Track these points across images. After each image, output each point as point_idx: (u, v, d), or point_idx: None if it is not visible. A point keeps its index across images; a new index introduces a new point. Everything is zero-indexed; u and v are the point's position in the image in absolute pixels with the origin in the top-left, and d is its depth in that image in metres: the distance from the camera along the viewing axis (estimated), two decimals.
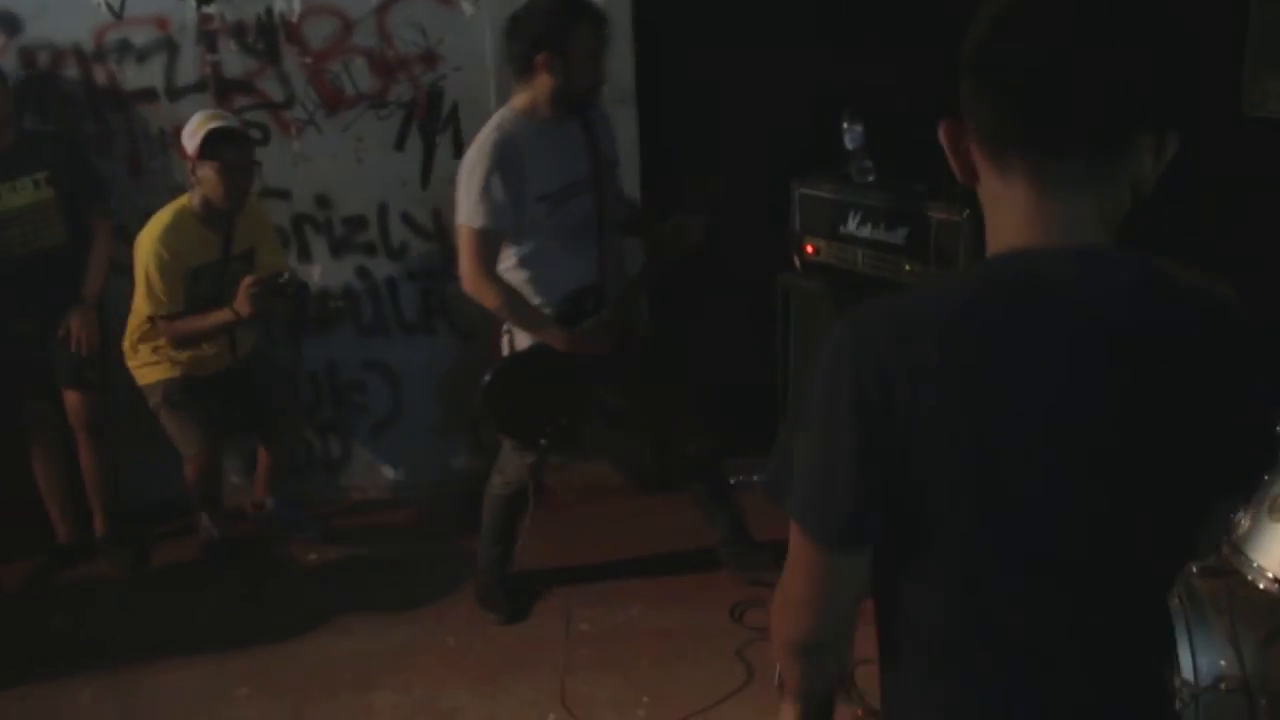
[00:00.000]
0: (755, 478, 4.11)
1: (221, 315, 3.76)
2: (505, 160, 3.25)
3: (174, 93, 4.19)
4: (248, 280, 3.71)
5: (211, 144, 3.70)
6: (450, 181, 4.32)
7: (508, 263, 3.40)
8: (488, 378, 3.47)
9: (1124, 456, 1.25)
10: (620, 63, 4.18)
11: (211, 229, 3.84)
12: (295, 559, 4.24)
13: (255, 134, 4.23)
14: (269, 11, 4.15)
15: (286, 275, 3.88)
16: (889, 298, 1.35)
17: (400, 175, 4.37)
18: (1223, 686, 2.55)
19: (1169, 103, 1.22)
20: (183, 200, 3.85)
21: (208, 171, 3.72)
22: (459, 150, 4.33)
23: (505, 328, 3.50)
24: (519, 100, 3.37)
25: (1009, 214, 1.27)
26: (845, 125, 3.78)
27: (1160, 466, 1.27)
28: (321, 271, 4.45)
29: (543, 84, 3.30)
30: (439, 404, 4.61)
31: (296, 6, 4.17)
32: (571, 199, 3.39)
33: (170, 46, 4.15)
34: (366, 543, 4.34)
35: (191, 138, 3.72)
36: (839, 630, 1.40)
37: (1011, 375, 1.22)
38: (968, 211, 3.52)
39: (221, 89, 4.21)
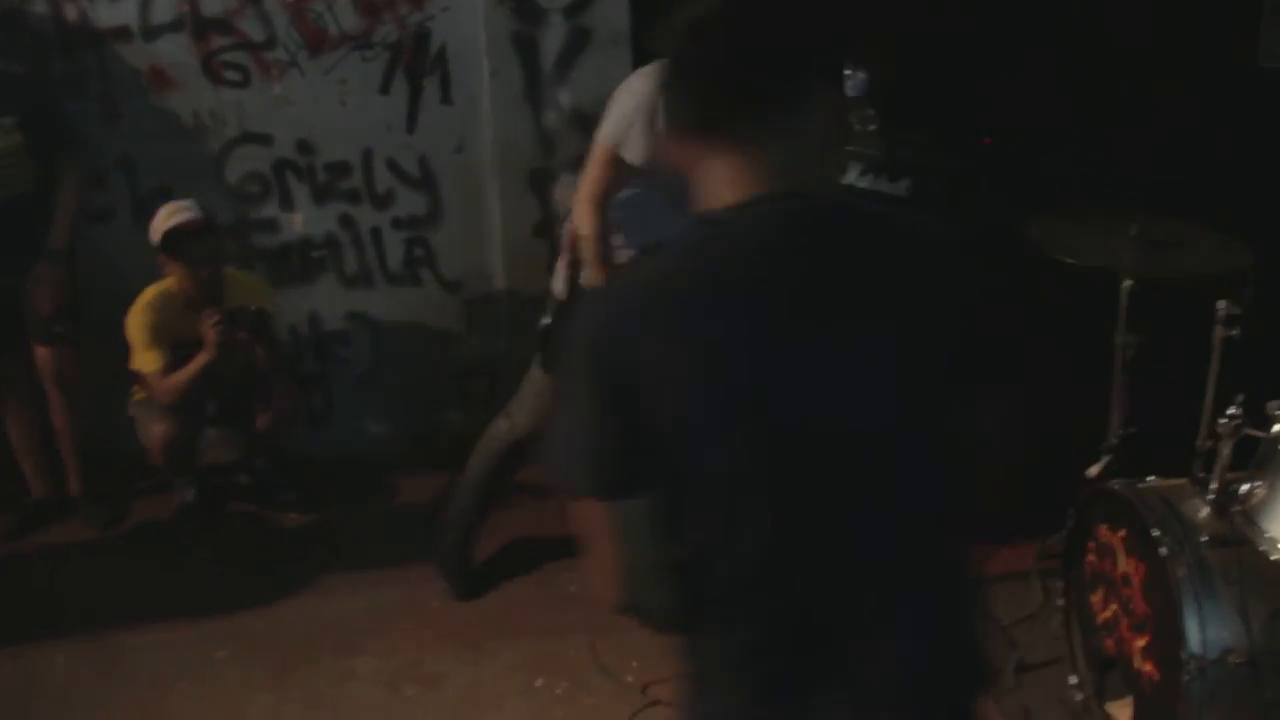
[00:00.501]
0: None
1: (197, 360, 3.76)
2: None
3: (149, 31, 4.01)
4: (206, 313, 3.72)
5: (172, 241, 3.71)
6: (437, 126, 4.24)
7: (625, 193, 3.24)
8: (547, 320, 3.33)
9: (838, 387, 1.36)
10: (616, 4, 4.04)
11: (195, 309, 3.79)
12: (277, 519, 4.14)
13: (234, 76, 4.09)
14: None
15: (252, 308, 3.83)
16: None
17: (385, 120, 4.22)
18: (1231, 659, 2.49)
19: (825, 72, 1.43)
20: (167, 281, 3.84)
21: (173, 266, 3.76)
22: (446, 95, 4.20)
23: (567, 263, 3.34)
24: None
25: (718, 182, 1.42)
26: (847, 72, 3.63)
27: (876, 390, 1.38)
28: (303, 219, 4.32)
29: None
30: (424, 357, 4.49)
31: None
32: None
33: None
34: (350, 501, 4.24)
35: (156, 231, 3.75)
36: (648, 584, 1.46)
37: (716, 323, 1.35)
38: (974, 163, 3.41)
39: (199, 28, 4.04)
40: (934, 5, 3.89)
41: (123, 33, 4.00)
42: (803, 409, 1.37)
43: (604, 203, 3.16)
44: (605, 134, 3.12)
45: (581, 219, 3.17)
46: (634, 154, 3.09)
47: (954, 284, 1.48)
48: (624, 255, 3.26)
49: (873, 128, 3.68)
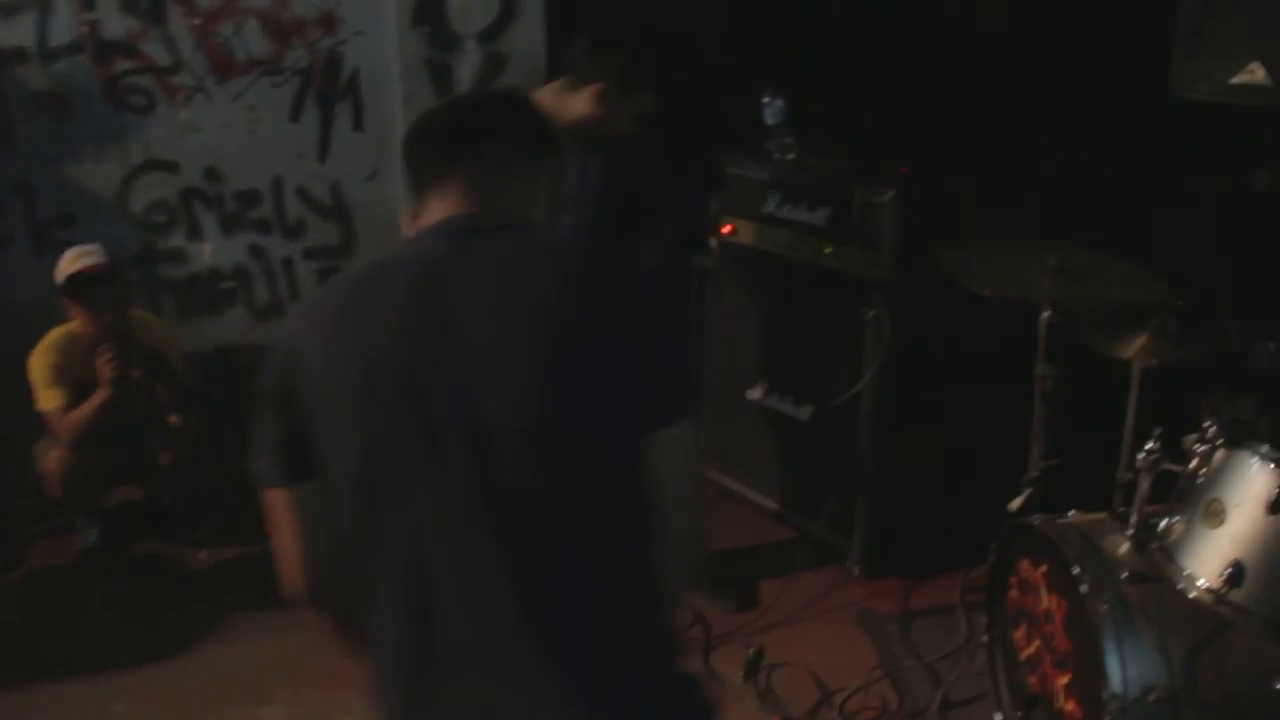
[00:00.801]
0: None
1: (95, 397, 3.68)
2: None
3: (47, 54, 3.89)
4: (100, 349, 3.64)
5: (74, 286, 3.63)
6: (349, 154, 4.15)
7: None
8: None
9: (468, 388, 1.47)
10: (531, 30, 3.98)
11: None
12: (186, 558, 3.99)
13: (138, 101, 3.96)
14: None
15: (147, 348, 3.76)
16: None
17: (296, 147, 4.14)
18: (1151, 698, 2.45)
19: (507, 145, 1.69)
20: (73, 324, 3.73)
21: (76, 310, 3.67)
22: (358, 121, 4.12)
23: None
24: (545, 98, 3.11)
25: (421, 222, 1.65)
26: (766, 100, 3.59)
27: (503, 393, 1.47)
28: (212, 250, 4.20)
29: (581, 104, 3.08)
30: None
31: None
32: (552, 218, 3.18)
33: (42, 2, 3.83)
34: (260, 538, 4.08)
35: (60, 274, 3.67)
36: (323, 580, 1.62)
37: (365, 333, 1.53)
38: (892, 193, 3.38)
39: (101, 50, 3.93)
40: (855, 35, 3.88)
41: (18, 54, 3.86)
42: (431, 410, 1.48)
43: None
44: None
45: None
46: None
47: (586, 304, 1.54)
48: None
49: (791, 156, 3.64)
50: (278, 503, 1.61)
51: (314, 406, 1.53)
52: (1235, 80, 3.62)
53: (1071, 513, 2.83)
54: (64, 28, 3.86)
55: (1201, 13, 3.60)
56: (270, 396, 1.58)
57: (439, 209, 1.63)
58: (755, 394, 3.88)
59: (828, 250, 3.54)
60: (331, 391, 1.52)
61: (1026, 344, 3.07)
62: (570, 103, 3.08)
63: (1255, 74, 3.57)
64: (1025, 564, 2.87)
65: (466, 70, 4.01)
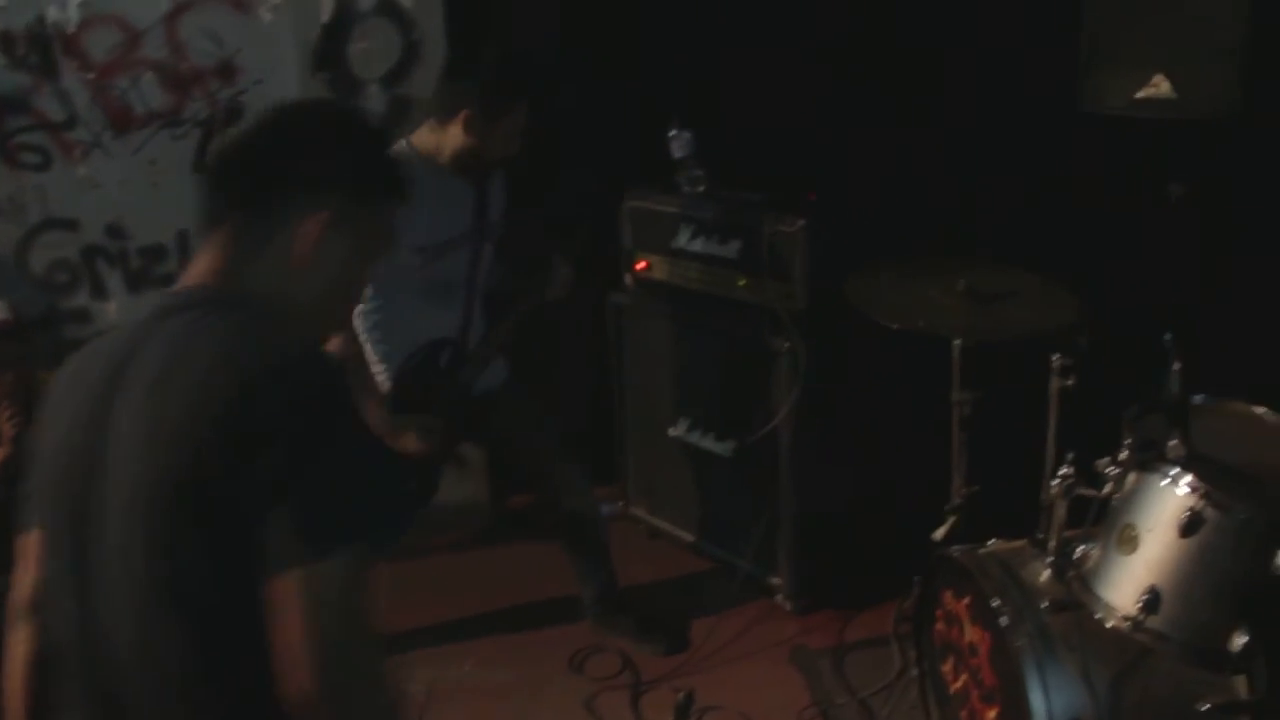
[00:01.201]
0: (604, 508, 3.87)
1: None
2: None
3: None
4: (1, 406, 3.50)
5: None
6: None
7: (368, 304, 3.10)
8: None
9: (104, 465, 1.39)
10: (434, 72, 3.90)
11: None
12: None
13: (34, 159, 3.85)
14: (41, 21, 3.75)
15: None
16: None
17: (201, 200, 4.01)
18: None
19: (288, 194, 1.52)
20: None
21: None
22: None
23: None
24: (423, 138, 3.09)
25: None
26: (672, 132, 3.54)
27: (151, 497, 1.35)
28: (118, 308, 4.07)
29: (454, 137, 3.04)
30: None
31: (73, 15, 3.79)
32: (447, 254, 3.15)
33: None
34: None
35: None
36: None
37: (60, 405, 1.49)
38: (803, 223, 3.33)
39: None
40: (761, 67, 3.85)
41: None
42: (83, 482, 1.42)
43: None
44: None
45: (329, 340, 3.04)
46: None
47: (216, 413, 1.35)
48: (393, 363, 3.13)
49: (701, 189, 3.58)
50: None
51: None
52: (1140, 94, 3.64)
53: (992, 541, 2.78)
54: None
55: (1105, 27, 3.62)
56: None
57: (195, 266, 1.53)
58: (677, 431, 3.81)
59: (741, 283, 3.49)
60: (37, 459, 1.51)
61: (943, 369, 3.03)
62: (444, 139, 3.04)
63: (1159, 86, 3.59)
64: (949, 596, 2.82)
65: (371, 114, 3.93)
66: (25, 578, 1.53)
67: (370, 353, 3.11)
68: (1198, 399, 2.52)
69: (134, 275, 4.05)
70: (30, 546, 1.52)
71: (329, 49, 3.87)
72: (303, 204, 1.51)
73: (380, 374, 3.12)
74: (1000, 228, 3.45)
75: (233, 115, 3.93)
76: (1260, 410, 2.54)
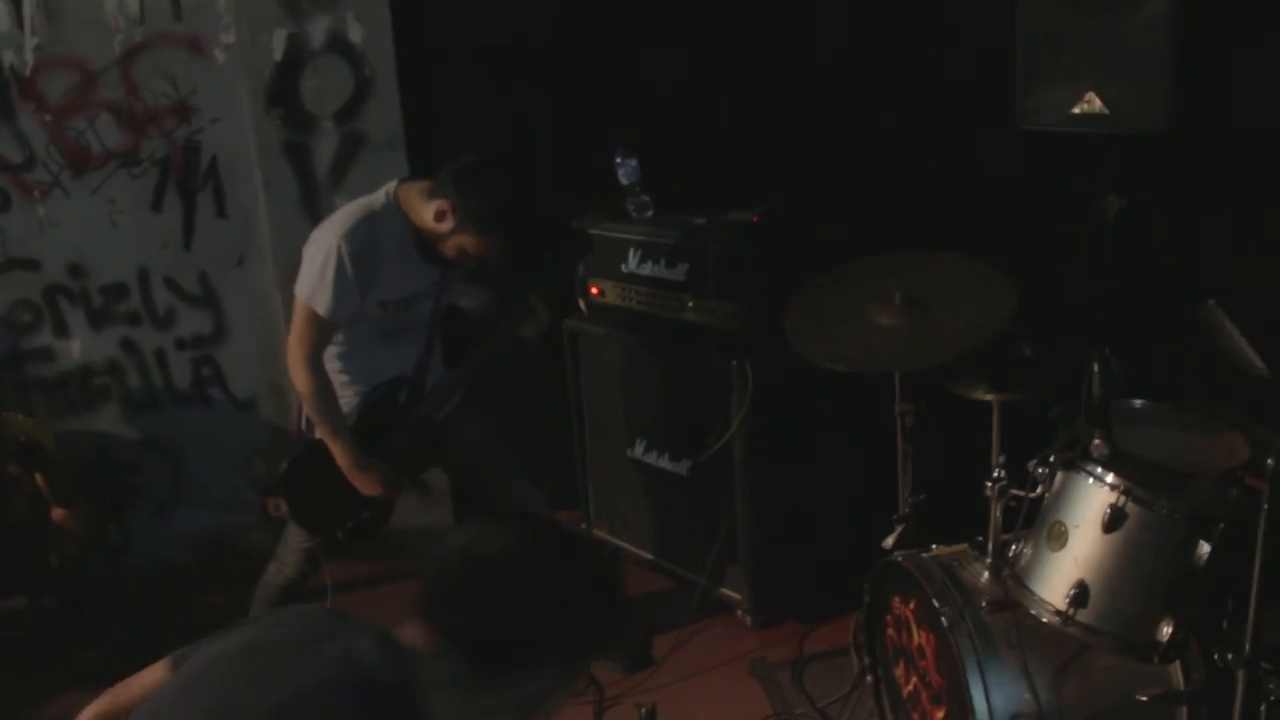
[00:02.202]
0: None
1: None
2: (364, 256, 3.03)
3: None
4: None
5: None
6: (214, 241, 4.12)
7: (335, 345, 3.20)
8: (285, 465, 3.23)
9: None
10: (387, 107, 3.99)
11: None
12: (73, 662, 3.86)
13: None
14: None
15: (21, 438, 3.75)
16: None
17: (160, 237, 4.09)
18: None
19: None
20: None
21: None
22: (221, 208, 4.10)
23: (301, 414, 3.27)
24: (408, 193, 3.13)
25: None
26: (619, 160, 3.63)
27: None
28: (81, 346, 4.13)
29: (426, 216, 3.10)
30: (222, 479, 4.30)
31: (29, 58, 3.87)
32: (410, 307, 3.23)
33: None
34: (149, 631, 3.99)
35: None
36: None
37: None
38: (746, 243, 3.42)
39: None
40: (704, 89, 3.94)
41: None
42: None
43: (316, 357, 3.12)
44: (301, 289, 3.09)
45: (297, 378, 3.13)
46: (326, 309, 3.05)
47: None
48: (351, 399, 3.19)
49: (649, 214, 3.67)
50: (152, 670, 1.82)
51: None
52: (1076, 110, 3.74)
53: (934, 546, 2.86)
54: None
55: (1039, 45, 3.72)
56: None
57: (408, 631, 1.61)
58: (634, 452, 3.88)
59: (690, 304, 3.57)
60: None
61: (888, 381, 3.11)
62: (424, 210, 3.10)
63: (1093, 103, 3.69)
64: (896, 601, 2.89)
65: (325, 151, 3.99)
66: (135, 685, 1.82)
67: (338, 387, 3.17)
68: (1136, 403, 2.61)
69: (96, 313, 4.12)
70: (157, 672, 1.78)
71: (282, 87, 3.94)
72: (525, 678, 1.59)
73: (347, 406, 3.18)
74: (941, 240, 3.53)
75: (189, 154, 4.01)
76: (1186, 412, 2.61)
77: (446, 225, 3.07)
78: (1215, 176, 3.49)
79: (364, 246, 3.04)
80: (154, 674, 1.79)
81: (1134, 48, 3.49)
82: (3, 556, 3.79)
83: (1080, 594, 2.31)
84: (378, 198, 3.15)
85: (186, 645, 1.76)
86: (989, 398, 2.82)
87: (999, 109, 3.72)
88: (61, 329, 4.11)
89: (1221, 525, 2.22)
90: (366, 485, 3.17)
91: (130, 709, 1.75)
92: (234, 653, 1.67)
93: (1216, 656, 2.32)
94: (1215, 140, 3.40)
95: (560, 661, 1.62)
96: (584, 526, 4.23)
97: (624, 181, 3.64)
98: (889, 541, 3.15)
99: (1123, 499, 2.27)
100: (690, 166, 3.82)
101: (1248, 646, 2.16)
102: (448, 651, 1.56)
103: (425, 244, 3.13)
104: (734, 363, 3.46)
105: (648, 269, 3.66)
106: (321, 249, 3.06)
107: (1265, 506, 2.04)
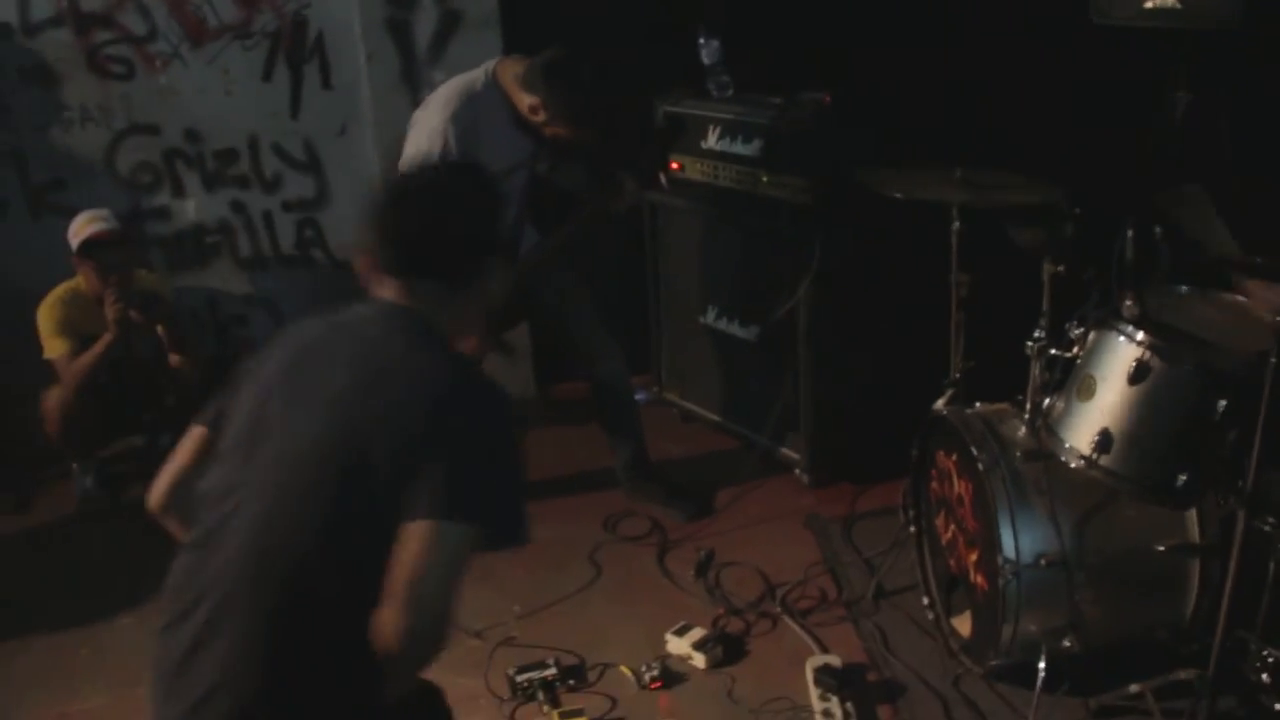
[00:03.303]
0: (639, 394, 4.19)
1: (101, 341, 3.92)
2: (465, 123, 3.29)
3: (31, 28, 4.13)
4: (105, 294, 3.89)
5: (87, 250, 3.90)
6: (320, 111, 4.38)
7: None
8: None
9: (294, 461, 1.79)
10: None
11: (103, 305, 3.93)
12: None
13: (119, 69, 4.20)
14: None
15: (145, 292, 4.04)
16: None
17: (270, 107, 4.37)
18: (1042, 562, 2.70)
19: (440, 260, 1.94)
20: (78, 280, 3.99)
21: (86, 270, 3.93)
22: (327, 80, 4.35)
23: None
24: (506, 72, 3.37)
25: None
26: (701, 41, 3.82)
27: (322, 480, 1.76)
28: (196, 206, 4.45)
29: (522, 103, 3.35)
30: None
31: None
32: (507, 178, 3.43)
33: None
34: None
35: (74, 238, 3.93)
36: (174, 499, 2.03)
37: (267, 361, 1.94)
38: (818, 123, 3.61)
39: (81, 23, 4.17)
40: None
41: (4, 30, 4.11)
42: (266, 428, 1.85)
43: None
44: (407, 164, 3.28)
45: None
46: None
47: (391, 391, 1.80)
48: None
49: (730, 93, 3.87)
50: (190, 436, 2.02)
51: (239, 393, 1.93)
52: (1148, 5, 3.82)
53: (978, 404, 3.08)
54: (45, 3, 4.11)
55: None
56: (233, 376, 1.98)
57: (383, 289, 1.93)
58: (706, 319, 4.13)
59: (764, 179, 3.77)
60: (250, 389, 1.92)
61: (944, 254, 3.29)
62: (519, 97, 3.33)
63: None
64: (941, 454, 3.12)
65: (425, 28, 4.23)
66: (181, 457, 2.02)
67: None
68: (1181, 288, 2.76)
69: (210, 176, 4.42)
70: (195, 436, 2.01)
71: None
72: (472, 276, 1.96)
73: None
74: (1002, 133, 3.67)
75: (298, 27, 4.26)
76: (1224, 294, 2.76)
77: (540, 117, 3.32)
78: None
79: (466, 124, 3.29)
80: (193, 439, 2.02)
81: None
82: (128, 396, 4.14)
83: (1104, 440, 2.53)
84: (477, 76, 3.38)
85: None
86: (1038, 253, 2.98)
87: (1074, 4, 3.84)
88: (178, 190, 4.42)
89: (1237, 386, 2.41)
90: (464, 346, 3.45)
91: (189, 469, 1.99)
92: (281, 375, 1.90)
93: (1228, 507, 2.52)
94: None
95: (493, 249, 2.00)
96: (656, 390, 4.50)
97: (706, 61, 3.84)
98: (939, 404, 3.36)
99: (1148, 354, 2.47)
100: (769, 48, 3.99)
101: (1248, 489, 2.34)
102: (420, 284, 1.90)
103: (524, 121, 3.36)
104: (802, 234, 3.67)
105: (725, 145, 3.87)
106: (426, 127, 3.31)
107: (1273, 360, 2.22)
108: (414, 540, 1.68)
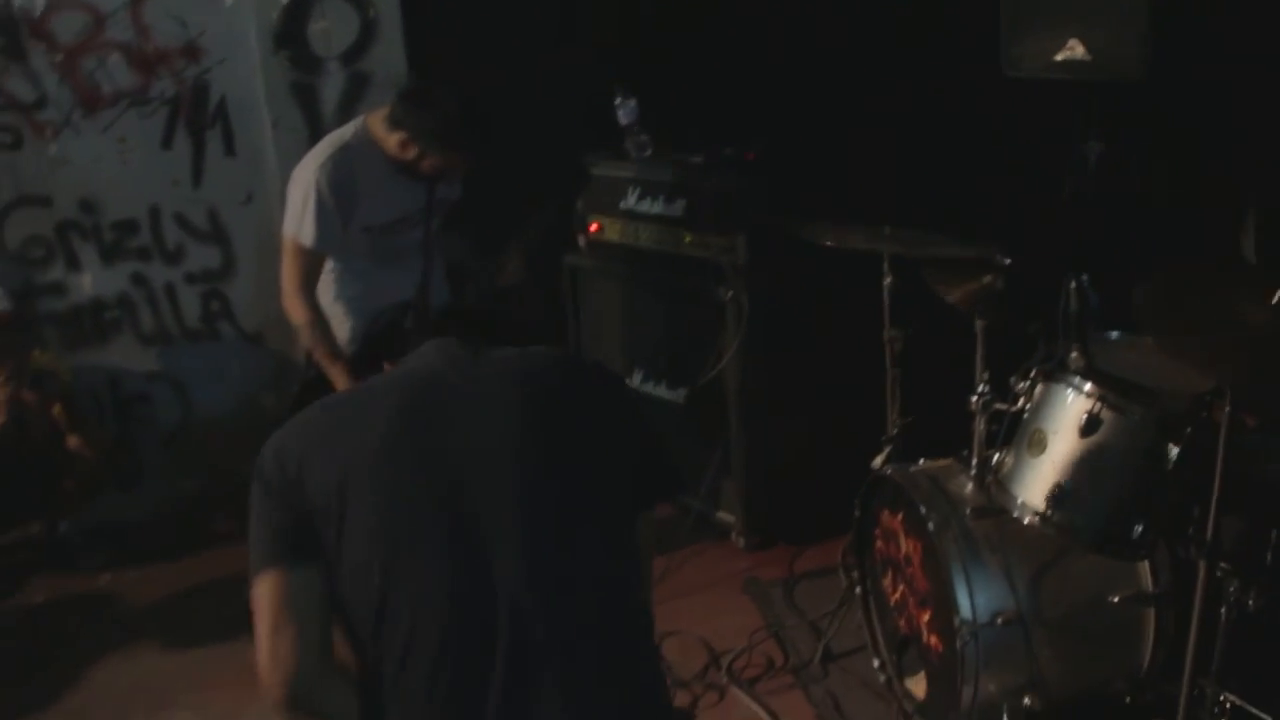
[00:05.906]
0: None
1: None
2: (341, 185, 3.16)
3: None
4: None
5: None
6: (223, 179, 4.23)
7: (327, 274, 3.31)
8: (297, 389, 3.37)
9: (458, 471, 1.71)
10: (391, 49, 4.11)
11: None
12: (87, 582, 4.02)
13: (5, 138, 4.01)
14: (7, 5, 3.91)
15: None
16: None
17: (170, 175, 4.21)
18: (999, 621, 2.64)
19: None
20: None
21: None
22: (230, 146, 4.21)
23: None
24: (377, 124, 3.24)
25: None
26: (618, 100, 3.77)
27: (493, 479, 1.71)
28: (93, 281, 4.24)
29: (392, 145, 3.21)
30: (232, 412, 4.44)
31: (39, 1, 3.94)
32: (397, 233, 3.34)
33: None
34: (163, 559, 4.15)
35: None
36: (316, 672, 1.66)
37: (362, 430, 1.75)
38: (741, 179, 3.57)
39: None
40: (697, 31, 4.07)
41: None
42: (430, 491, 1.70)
43: (309, 289, 3.24)
44: (287, 226, 3.21)
45: (291, 310, 3.25)
46: (310, 239, 3.17)
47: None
48: (346, 327, 3.32)
49: (648, 153, 3.82)
50: (271, 590, 1.66)
51: (322, 498, 1.66)
52: (1058, 57, 3.88)
53: (921, 461, 3.03)
54: None
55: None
56: (268, 492, 1.69)
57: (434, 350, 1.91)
58: (632, 382, 4.04)
59: (687, 239, 3.72)
60: (340, 482, 1.66)
61: (876, 312, 3.26)
62: (387, 140, 3.22)
63: (1075, 50, 3.83)
64: (885, 514, 3.06)
65: (331, 91, 4.12)
66: (277, 630, 1.67)
67: (338, 315, 3.30)
68: (1113, 334, 2.76)
69: (108, 248, 4.22)
70: (285, 589, 1.67)
71: (289, 28, 4.06)
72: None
73: (344, 335, 3.31)
74: (926, 185, 3.68)
75: (199, 93, 4.12)
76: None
77: (411, 153, 3.20)
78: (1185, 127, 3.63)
79: (339, 175, 3.17)
80: (281, 596, 1.68)
81: None
82: (21, 482, 3.91)
83: (1058, 495, 2.49)
84: (349, 129, 3.27)
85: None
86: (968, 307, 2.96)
87: (986, 56, 3.89)
88: (73, 264, 4.22)
89: (1190, 431, 2.40)
90: None
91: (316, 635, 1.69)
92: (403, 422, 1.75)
93: (1181, 554, 2.51)
94: (1188, 90, 3.56)
95: None
96: None
97: (623, 122, 3.78)
98: (878, 462, 3.32)
99: (1098, 405, 2.45)
100: (686, 108, 3.96)
101: (1207, 543, 2.32)
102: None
103: (408, 168, 3.26)
104: (729, 294, 3.62)
105: (646, 206, 3.82)
106: (301, 184, 3.20)
107: (1227, 409, 2.21)
108: (649, 526, 1.93)
